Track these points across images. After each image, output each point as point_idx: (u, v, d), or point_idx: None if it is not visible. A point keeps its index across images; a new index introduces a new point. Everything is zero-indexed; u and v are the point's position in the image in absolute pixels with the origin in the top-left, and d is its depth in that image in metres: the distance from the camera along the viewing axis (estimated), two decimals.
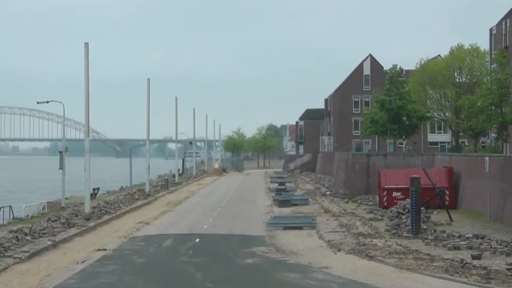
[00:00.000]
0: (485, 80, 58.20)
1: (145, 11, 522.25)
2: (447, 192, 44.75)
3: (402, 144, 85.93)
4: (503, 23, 56.47)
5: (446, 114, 67.67)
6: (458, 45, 66.59)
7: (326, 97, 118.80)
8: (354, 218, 41.37)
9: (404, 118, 67.62)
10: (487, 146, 61.18)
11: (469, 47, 65.81)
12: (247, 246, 30.41)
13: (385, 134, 69.70)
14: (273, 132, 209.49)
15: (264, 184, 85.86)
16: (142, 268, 24.93)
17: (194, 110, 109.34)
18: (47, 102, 49.36)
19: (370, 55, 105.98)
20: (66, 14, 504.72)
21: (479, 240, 28.92)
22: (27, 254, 27.35)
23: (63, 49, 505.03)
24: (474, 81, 64.71)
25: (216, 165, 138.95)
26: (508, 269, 22.47)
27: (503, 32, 56.51)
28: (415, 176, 33.48)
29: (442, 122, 75.26)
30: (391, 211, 38.83)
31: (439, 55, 79.40)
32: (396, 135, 68.92)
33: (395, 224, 34.74)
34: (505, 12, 56.48)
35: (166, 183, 74.86)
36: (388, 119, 67.38)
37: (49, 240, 31.39)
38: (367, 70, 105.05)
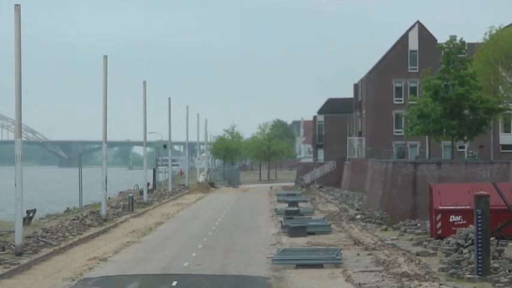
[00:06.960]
0: None
1: None
2: None
3: (463, 148, 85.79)
4: None
5: None
6: None
7: (356, 82, 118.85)
8: (396, 252, 41.37)
9: (466, 111, 67.57)
10: None
11: None
12: None
13: (440, 133, 69.65)
14: (282, 132, 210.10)
15: (268, 204, 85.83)
16: None
17: (170, 99, 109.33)
18: None
19: (418, 22, 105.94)
20: None
21: None
22: None
23: None
24: None
25: (201, 178, 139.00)
26: None
27: None
28: (482, 193, 33.41)
29: None
30: (447, 242, 38.83)
31: None
32: (455, 135, 68.87)
33: (454, 260, 34.72)
34: None
35: (130, 203, 74.80)
36: (443, 112, 67.34)
37: None
38: (413, 44, 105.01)
